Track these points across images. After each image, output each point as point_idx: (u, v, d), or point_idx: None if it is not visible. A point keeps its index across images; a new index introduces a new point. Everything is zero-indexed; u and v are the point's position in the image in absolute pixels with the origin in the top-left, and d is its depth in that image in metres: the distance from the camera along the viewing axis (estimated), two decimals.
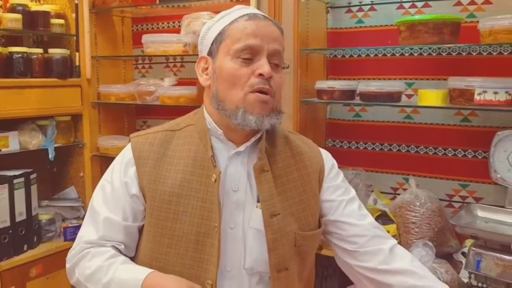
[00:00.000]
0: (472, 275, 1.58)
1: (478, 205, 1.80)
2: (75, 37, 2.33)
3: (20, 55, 2.09)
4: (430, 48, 1.92)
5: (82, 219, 1.77)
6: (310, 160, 1.16)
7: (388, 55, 2.05)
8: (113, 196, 1.09)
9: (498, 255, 1.51)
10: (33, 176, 2.16)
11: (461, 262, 1.71)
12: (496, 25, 1.58)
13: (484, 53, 1.86)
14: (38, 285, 2.13)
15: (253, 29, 1.03)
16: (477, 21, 1.69)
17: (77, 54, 2.32)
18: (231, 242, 1.07)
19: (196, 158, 1.07)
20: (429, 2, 1.94)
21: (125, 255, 1.10)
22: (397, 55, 2.03)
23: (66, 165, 2.46)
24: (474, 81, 1.63)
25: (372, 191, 2.04)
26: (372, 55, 2.09)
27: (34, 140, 2.16)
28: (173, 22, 2.57)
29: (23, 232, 2.10)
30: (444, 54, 1.93)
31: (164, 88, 2.29)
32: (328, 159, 1.19)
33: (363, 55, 2.11)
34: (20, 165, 2.17)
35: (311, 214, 1.12)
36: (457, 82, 1.68)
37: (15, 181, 2.06)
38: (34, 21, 2.19)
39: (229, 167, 1.09)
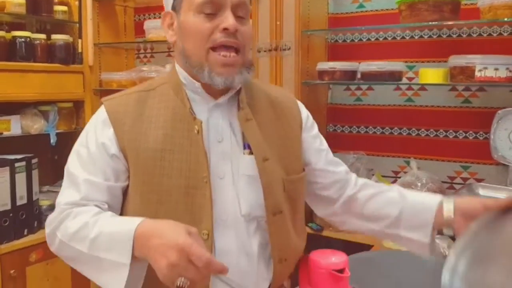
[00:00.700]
0: None
1: (479, 184, 1.80)
2: (77, 24, 2.35)
3: (23, 40, 2.11)
4: (430, 31, 1.94)
5: None
6: (288, 109, 1.16)
7: (389, 38, 2.06)
8: (91, 159, 1.04)
9: None
10: (34, 161, 2.14)
11: None
12: (495, 1, 1.59)
13: (485, 34, 1.87)
14: (37, 270, 2.11)
15: None
16: (476, 3, 1.71)
17: (79, 41, 2.34)
18: (222, 191, 1.04)
19: (175, 113, 1.05)
20: None
21: None
22: (398, 38, 2.04)
23: (68, 152, 2.44)
24: (474, 58, 1.65)
25: (373, 175, 2.04)
26: (373, 39, 2.10)
27: (36, 125, 2.17)
28: None
29: (24, 216, 2.09)
30: (444, 36, 1.94)
31: None
32: (303, 109, 1.20)
33: (364, 39, 2.12)
34: (22, 150, 2.16)
35: (296, 158, 1.13)
36: (458, 59, 1.70)
37: (16, 164, 2.05)
38: (37, 6, 2.20)
39: (210, 119, 1.07)
